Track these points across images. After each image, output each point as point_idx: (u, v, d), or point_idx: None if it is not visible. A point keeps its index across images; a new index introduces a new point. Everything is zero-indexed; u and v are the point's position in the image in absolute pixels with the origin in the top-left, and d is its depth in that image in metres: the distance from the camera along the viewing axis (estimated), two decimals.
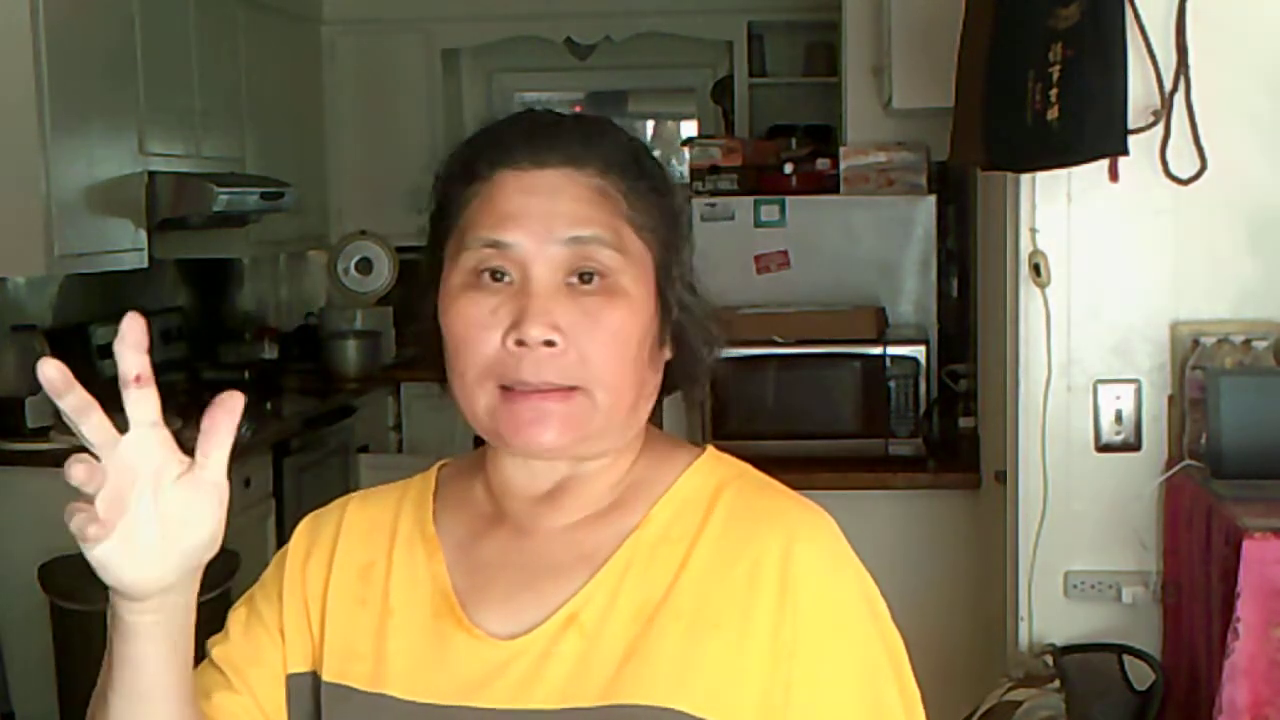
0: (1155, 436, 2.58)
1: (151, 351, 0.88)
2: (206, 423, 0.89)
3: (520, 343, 1.01)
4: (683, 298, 1.10)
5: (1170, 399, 2.57)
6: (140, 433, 0.89)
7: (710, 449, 1.14)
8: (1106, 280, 2.57)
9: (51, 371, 0.84)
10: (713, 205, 3.97)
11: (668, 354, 1.10)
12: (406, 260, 5.94)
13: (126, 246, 4.13)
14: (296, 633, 1.13)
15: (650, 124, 7.19)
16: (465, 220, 1.06)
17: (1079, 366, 2.59)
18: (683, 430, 4.83)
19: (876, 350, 3.54)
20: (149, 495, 0.89)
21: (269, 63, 5.31)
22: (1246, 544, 2.09)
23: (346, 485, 4.86)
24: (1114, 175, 2.47)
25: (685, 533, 1.07)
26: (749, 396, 3.59)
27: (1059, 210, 2.56)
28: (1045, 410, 2.58)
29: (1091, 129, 2.31)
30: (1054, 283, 2.56)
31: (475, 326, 1.03)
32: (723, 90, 6.16)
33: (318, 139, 5.84)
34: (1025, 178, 2.56)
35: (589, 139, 1.07)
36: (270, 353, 5.52)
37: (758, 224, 3.97)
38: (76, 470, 0.85)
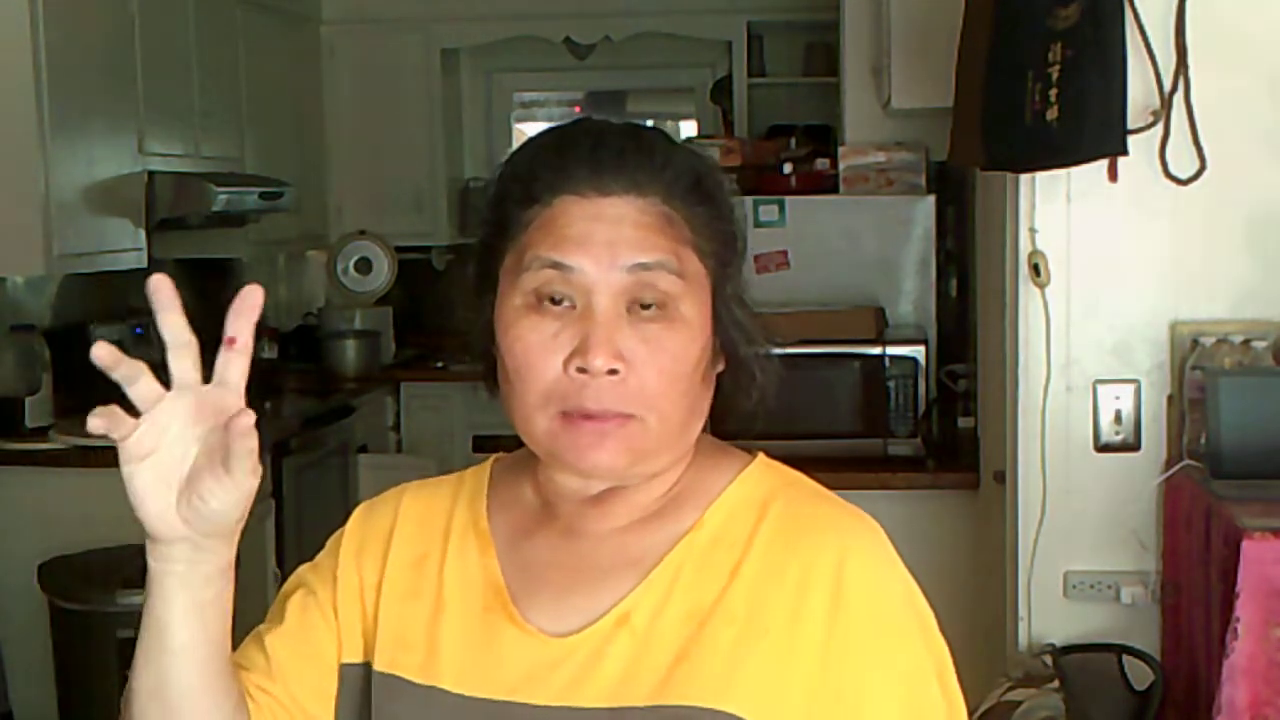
0: (1154, 436, 2.58)
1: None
2: (237, 424, 0.92)
3: (582, 370, 1.02)
4: (736, 314, 1.10)
5: (1169, 399, 2.57)
6: (216, 388, 0.95)
7: (761, 456, 1.15)
8: (1106, 280, 2.57)
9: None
10: None
11: (719, 366, 1.11)
12: (406, 260, 5.95)
13: (126, 246, 4.13)
14: (349, 621, 1.14)
15: (649, 124, 7.18)
16: (525, 241, 1.06)
17: (1078, 367, 2.59)
18: None
19: (875, 350, 3.54)
20: (191, 446, 0.94)
21: (269, 63, 5.31)
22: (1246, 544, 2.09)
23: (346, 485, 4.85)
24: (1113, 175, 2.47)
25: (738, 538, 1.08)
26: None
27: (1058, 210, 2.56)
28: (1044, 410, 2.58)
29: (1091, 129, 2.31)
30: (1053, 283, 2.56)
31: (536, 351, 1.04)
32: (722, 90, 6.16)
33: (317, 139, 5.83)
34: (1025, 178, 2.56)
35: (653, 165, 1.07)
36: (269, 352, 5.51)
37: (757, 224, 3.96)
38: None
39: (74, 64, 3.82)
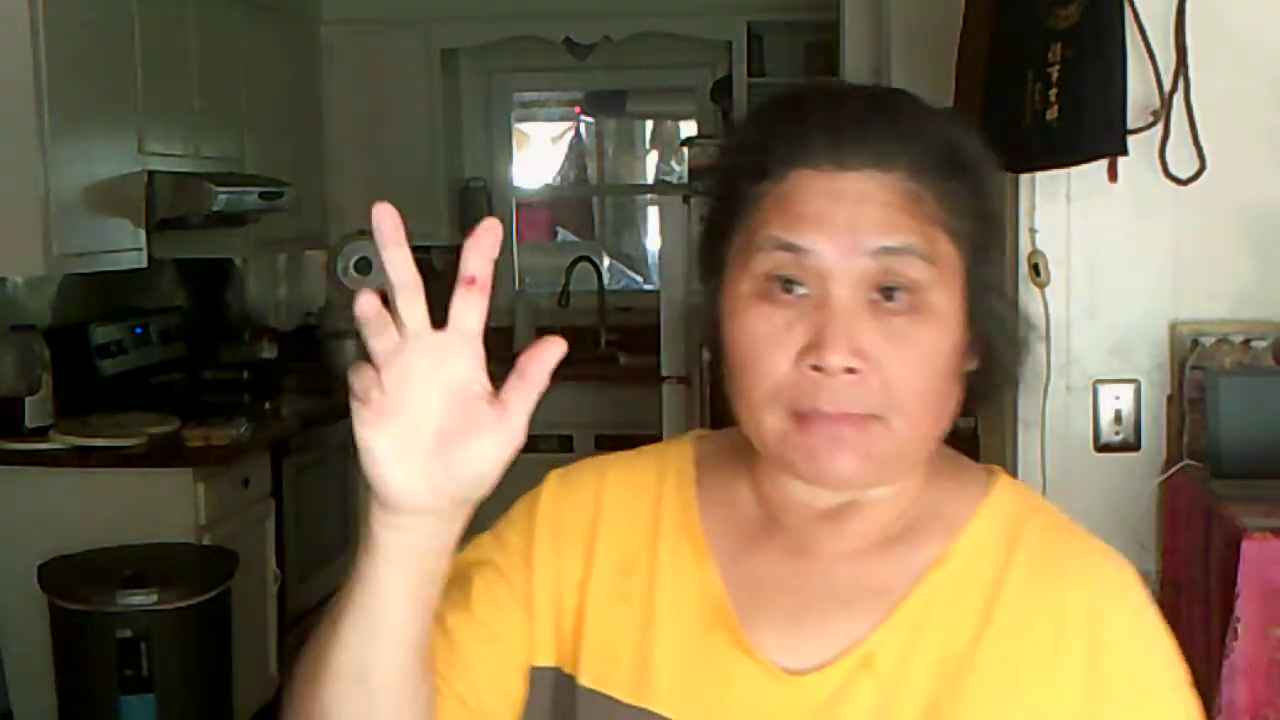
0: (1154, 436, 2.58)
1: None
2: (521, 363, 0.83)
3: (817, 368, 0.91)
4: (993, 305, 0.98)
5: (1169, 399, 2.57)
6: (453, 335, 0.83)
7: (1003, 475, 1.04)
8: (1106, 280, 2.57)
9: (383, 209, 0.80)
10: None
11: (972, 364, 0.98)
12: None
13: (125, 246, 4.13)
14: (545, 617, 1.02)
15: (649, 124, 7.19)
16: (755, 219, 0.95)
17: (1078, 366, 2.59)
18: (681, 417, 4.81)
19: None
20: (436, 401, 0.83)
21: (268, 63, 5.31)
22: (1246, 544, 2.09)
23: (346, 485, 4.84)
24: (1113, 175, 2.47)
25: (986, 577, 0.97)
26: None
27: (1058, 210, 2.56)
28: (1044, 410, 2.58)
29: (1091, 129, 2.31)
30: (1053, 283, 2.56)
31: (765, 344, 0.93)
32: (722, 90, 6.16)
33: (317, 138, 5.84)
34: (1025, 178, 2.56)
35: (900, 135, 0.96)
36: (269, 352, 5.51)
37: None
38: (366, 302, 0.81)
39: (74, 64, 3.82)
